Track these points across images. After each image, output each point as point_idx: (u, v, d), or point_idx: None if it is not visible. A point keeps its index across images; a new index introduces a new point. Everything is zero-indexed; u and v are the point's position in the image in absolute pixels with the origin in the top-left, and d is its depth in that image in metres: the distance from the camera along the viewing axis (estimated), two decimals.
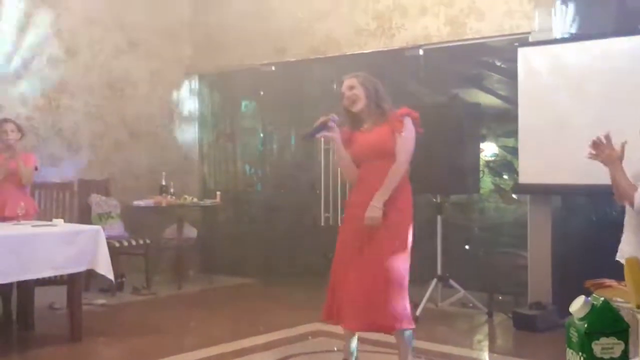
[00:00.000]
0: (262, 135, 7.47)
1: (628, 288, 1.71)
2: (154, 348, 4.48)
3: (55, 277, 4.78)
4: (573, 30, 5.38)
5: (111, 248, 4.96)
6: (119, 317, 5.45)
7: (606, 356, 1.51)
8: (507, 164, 5.87)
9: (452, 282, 5.45)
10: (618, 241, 3.40)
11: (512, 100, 5.55)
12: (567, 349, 1.58)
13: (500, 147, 5.95)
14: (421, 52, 6.09)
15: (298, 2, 6.83)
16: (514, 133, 5.45)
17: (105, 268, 4.62)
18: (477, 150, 5.60)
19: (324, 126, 3.57)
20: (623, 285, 1.82)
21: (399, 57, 6.15)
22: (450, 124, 5.30)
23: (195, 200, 6.99)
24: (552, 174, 5.09)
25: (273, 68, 7.11)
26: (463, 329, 5.27)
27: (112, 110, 6.97)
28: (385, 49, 6.22)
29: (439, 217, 5.49)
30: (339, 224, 6.35)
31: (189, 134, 7.76)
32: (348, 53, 6.47)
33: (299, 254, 6.99)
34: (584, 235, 5.22)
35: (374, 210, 3.42)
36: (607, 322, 1.53)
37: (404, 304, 3.46)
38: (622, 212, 3.43)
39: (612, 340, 1.51)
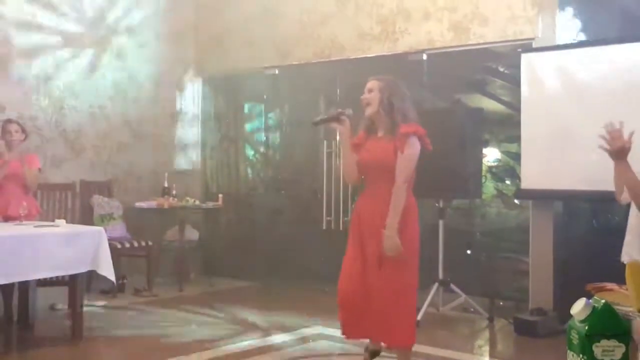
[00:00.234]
0: (265, 138, 7.47)
1: (629, 292, 1.71)
2: (155, 350, 4.47)
3: (57, 277, 4.79)
4: (576, 36, 5.38)
5: (113, 249, 4.95)
6: (119, 319, 5.44)
7: (607, 358, 1.51)
8: (509, 170, 5.87)
9: (453, 286, 5.44)
10: (620, 247, 3.37)
11: (514, 105, 5.56)
12: (568, 351, 1.58)
13: (502, 152, 5.96)
14: (424, 56, 6.10)
15: (303, 6, 6.84)
16: (516, 138, 5.45)
17: (106, 269, 4.61)
18: (480, 156, 5.60)
19: (336, 117, 3.57)
20: (624, 289, 1.82)
21: (403, 61, 6.15)
22: (453, 129, 5.30)
23: (197, 202, 6.99)
24: (554, 179, 5.09)
25: (277, 72, 7.12)
26: (464, 333, 5.26)
27: (115, 112, 6.99)
28: (389, 54, 6.23)
29: (441, 222, 5.49)
30: (340, 228, 6.41)
31: (192, 137, 7.77)
32: (352, 57, 6.48)
33: (300, 257, 6.98)
34: (586, 241, 5.22)
35: (390, 239, 3.36)
36: (607, 324, 1.53)
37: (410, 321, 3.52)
38: (625, 218, 3.43)
39: (612, 342, 1.51)
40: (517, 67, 5.34)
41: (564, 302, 4.89)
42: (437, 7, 5.97)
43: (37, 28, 6.37)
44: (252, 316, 5.55)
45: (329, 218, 6.68)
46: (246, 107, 7.71)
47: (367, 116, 3.56)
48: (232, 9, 7.32)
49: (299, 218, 7.09)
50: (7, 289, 4.84)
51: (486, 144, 5.85)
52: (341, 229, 6.45)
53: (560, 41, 5.35)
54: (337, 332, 3.91)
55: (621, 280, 2.21)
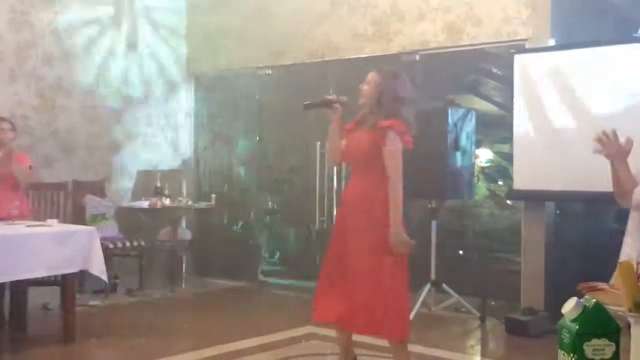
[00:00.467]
0: (258, 138, 7.47)
1: (621, 291, 1.72)
2: (147, 350, 4.47)
3: (49, 277, 4.78)
4: (570, 37, 5.40)
5: (105, 249, 4.95)
6: (112, 319, 5.43)
7: (597, 357, 1.52)
8: (501, 170, 5.89)
9: (445, 286, 5.46)
10: (612, 248, 3.37)
11: (507, 106, 5.57)
12: (559, 350, 1.59)
13: (495, 153, 5.98)
14: (418, 57, 6.11)
15: (296, 6, 6.84)
16: (509, 139, 5.46)
17: (99, 269, 4.61)
18: (472, 156, 5.61)
19: (327, 103, 3.59)
20: (615, 289, 1.83)
21: (396, 62, 6.15)
22: (446, 130, 5.30)
23: (190, 202, 6.99)
24: (546, 180, 5.11)
25: (270, 72, 7.12)
26: (456, 333, 5.28)
27: (107, 111, 6.97)
28: (382, 54, 6.24)
29: (433, 222, 5.50)
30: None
31: (184, 136, 7.76)
32: (345, 57, 6.48)
33: (293, 257, 6.99)
34: (578, 242, 5.24)
35: (397, 236, 3.33)
36: (598, 323, 1.54)
37: (403, 314, 3.48)
38: (616, 219, 3.44)
39: (603, 341, 1.52)
40: (510, 68, 5.36)
41: (555, 302, 4.92)
42: (430, 7, 5.98)
43: (29, 25, 6.35)
44: (245, 316, 5.55)
45: (322, 218, 6.68)
46: (239, 106, 7.70)
47: (360, 106, 3.58)
48: (225, 9, 7.31)
49: (292, 218, 7.09)
50: None
51: (479, 144, 5.86)
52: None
53: (553, 42, 5.37)
54: (330, 332, 3.91)
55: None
